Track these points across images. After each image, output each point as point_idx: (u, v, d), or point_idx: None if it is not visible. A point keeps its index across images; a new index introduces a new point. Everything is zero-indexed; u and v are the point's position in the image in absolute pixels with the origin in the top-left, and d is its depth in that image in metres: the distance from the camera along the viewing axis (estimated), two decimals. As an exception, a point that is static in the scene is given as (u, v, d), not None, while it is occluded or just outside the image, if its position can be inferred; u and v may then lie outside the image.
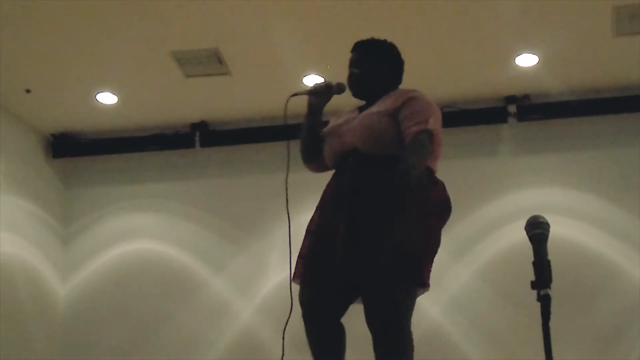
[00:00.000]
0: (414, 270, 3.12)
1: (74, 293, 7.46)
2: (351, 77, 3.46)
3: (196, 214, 7.40)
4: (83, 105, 7.03)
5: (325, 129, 3.48)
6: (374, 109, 3.34)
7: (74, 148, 7.63)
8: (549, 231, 2.66)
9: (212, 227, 7.34)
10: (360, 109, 3.44)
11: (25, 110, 7.08)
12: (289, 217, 3.45)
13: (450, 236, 6.69)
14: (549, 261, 2.61)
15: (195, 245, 7.33)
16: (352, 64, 3.50)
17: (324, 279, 3.20)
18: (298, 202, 7.23)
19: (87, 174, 7.71)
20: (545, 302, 2.54)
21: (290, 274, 3.31)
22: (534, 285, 2.57)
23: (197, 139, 7.45)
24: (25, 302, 6.99)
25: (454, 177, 6.83)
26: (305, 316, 3.29)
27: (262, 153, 7.28)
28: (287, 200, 3.42)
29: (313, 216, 3.41)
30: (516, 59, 6.29)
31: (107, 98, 6.91)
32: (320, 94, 3.45)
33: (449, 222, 7.04)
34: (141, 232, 7.49)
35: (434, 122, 3.22)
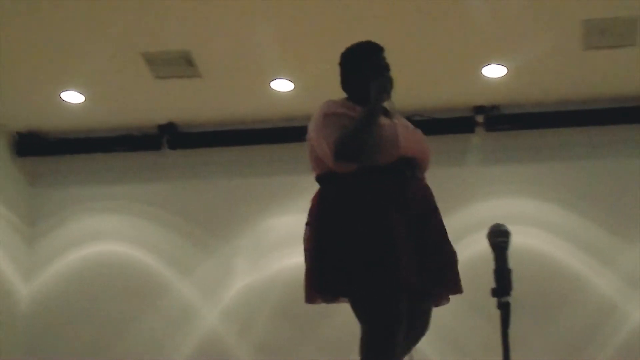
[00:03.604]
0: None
1: (38, 294, 7.38)
2: (392, 82, 3.29)
3: (163, 217, 7.35)
4: (49, 104, 6.96)
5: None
6: (407, 124, 3.42)
7: (39, 147, 7.55)
8: (510, 239, 2.68)
9: (178, 230, 7.30)
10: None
11: (-10, 107, 7.01)
12: None
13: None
14: (509, 269, 2.63)
15: (161, 248, 7.29)
16: (388, 68, 3.39)
17: (404, 284, 3.05)
18: (265, 206, 7.28)
19: (53, 173, 7.64)
20: (505, 310, 2.56)
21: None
22: (494, 292, 2.59)
23: (164, 141, 7.41)
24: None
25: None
26: (396, 328, 3.08)
27: (231, 157, 7.28)
28: None
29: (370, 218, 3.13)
30: (483, 70, 6.32)
31: (73, 97, 6.85)
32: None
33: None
34: (107, 234, 7.43)
35: None
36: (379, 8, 5.53)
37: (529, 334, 6.15)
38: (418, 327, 3.20)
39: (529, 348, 6.06)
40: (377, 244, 3.02)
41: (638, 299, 6.46)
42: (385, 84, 3.20)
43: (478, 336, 6.37)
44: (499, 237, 2.67)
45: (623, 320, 6.44)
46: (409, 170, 3.19)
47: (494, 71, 6.34)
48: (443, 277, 3.11)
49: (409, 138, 3.26)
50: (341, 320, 6.43)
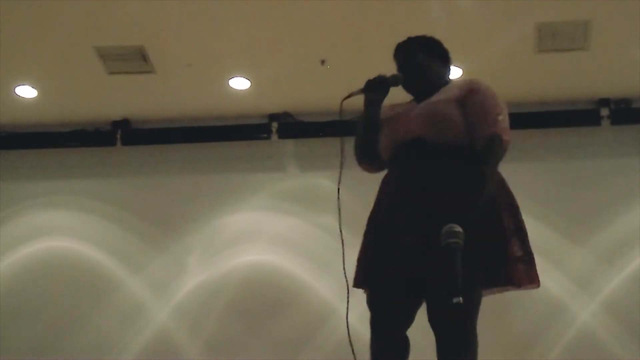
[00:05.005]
0: (488, 270, 3.13)
1: (-17, 290, 7.28)
2: (414, 68, 3.37)
3: (115, 213, 7.29)
4: (2, 98, 6.86)
5: (381, 118, 3.28)
6: (435, 98, 3.24)
7: (-9, 141, 7.45)
8: (463, 241, 2.70)
9: (130, 227, 7.24)
10: (418, 100, 3.31)
11: (-59, 100, 6.89)
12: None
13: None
14: (462, 270, 2.65)
15: (113, 245, 7.22)
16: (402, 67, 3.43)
17: (390, 278, 3.06)
18: (218, 204, 7.24)
19: (4, 168, 7.52)
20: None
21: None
22: (447, 293, 2.62)
23: (118, 136, 7.37)
24: None
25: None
26: (375, 322, 3.20)
27: (185, 154, 7.25)
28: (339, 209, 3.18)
29: (372, 215, 3.20)
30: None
31: (26, 92, 6.78)
32: (377, 88, 3.27)
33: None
34: (58, 230, 7.34)
35: (503, 120, 3.31)
36: (333, 11, 5.55)
37: (480, 334, 6.19)
38: (439, 329, 3.23)
39: (479, 348, 6.10)
40: (364, 240, 3.17)
41: (587, 300, 6.57)
42: (373, 80, 3.27)
43: (430, 335, 6.40)
44: (450, 238, 2.69)
45: (572, 321, 6.53)
46: (411, 154, 3.13)
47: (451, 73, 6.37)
48: (442, 266, 2.81)
49: (412, 120, 3.19)
50: (292, 320, 6.45)
